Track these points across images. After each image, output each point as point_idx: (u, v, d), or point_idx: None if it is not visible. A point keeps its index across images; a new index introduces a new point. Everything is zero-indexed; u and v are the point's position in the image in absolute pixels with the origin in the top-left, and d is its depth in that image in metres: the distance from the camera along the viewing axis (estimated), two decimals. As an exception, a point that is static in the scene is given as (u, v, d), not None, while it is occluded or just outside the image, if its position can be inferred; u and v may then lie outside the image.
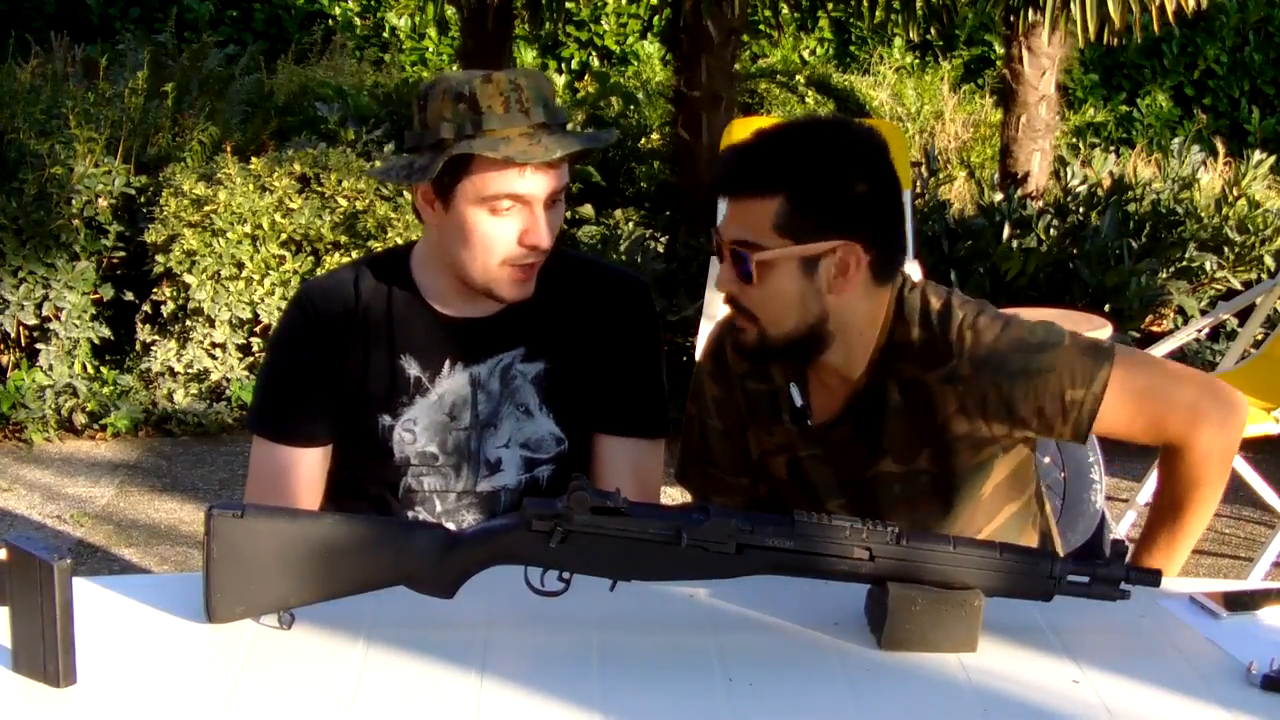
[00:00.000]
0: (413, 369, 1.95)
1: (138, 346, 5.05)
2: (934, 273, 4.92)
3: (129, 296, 5.14)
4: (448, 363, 1.96)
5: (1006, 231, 5.23)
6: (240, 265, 4.91)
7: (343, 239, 4.98)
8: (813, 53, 9.36)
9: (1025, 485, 1.95)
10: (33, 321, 4.89)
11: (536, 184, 1.83)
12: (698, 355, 4.24)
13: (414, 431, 1.95)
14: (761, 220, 1.73)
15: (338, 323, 1.96)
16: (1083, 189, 5.63)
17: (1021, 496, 1.94)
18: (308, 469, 1.96)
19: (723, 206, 1.81)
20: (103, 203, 5.07)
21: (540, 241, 1.86)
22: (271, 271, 4.94)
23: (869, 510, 1.85)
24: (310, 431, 1.96)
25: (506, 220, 1.85)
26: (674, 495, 2.69)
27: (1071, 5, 5.19)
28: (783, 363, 1.88)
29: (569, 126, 1.90)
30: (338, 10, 9.48)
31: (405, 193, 5.07)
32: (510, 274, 1.88)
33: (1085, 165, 5.92)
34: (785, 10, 6.73)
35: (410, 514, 1.97)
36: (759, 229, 1.73)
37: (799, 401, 1.87)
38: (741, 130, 5.12)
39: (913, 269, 3.93)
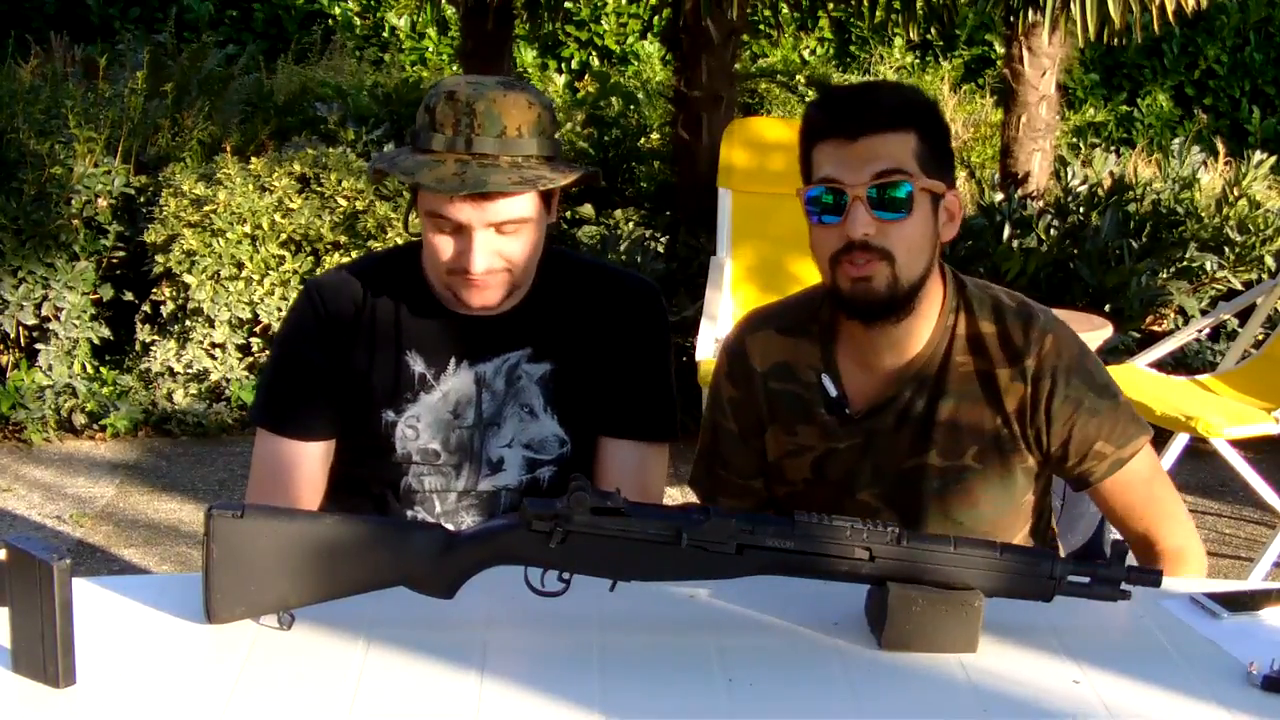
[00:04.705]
0: (418, 365, 1.95)
1: (137, 347, 5.05)
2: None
3: (129, 296, 5.14)
4: (453, 360, 1.95)
5: (1007, 231, 5.23)
6: (240, 265, 4.91)
7: (342, 239, 4.98)
8: (813, 53, 9.36)
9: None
10: (32, 321, 4.89)
11: (465, 212, 1.82)
12: (698, 355, 4.27)
13: (416, 428, 1.95)
14: (903, 151, 1.73)
15: (345, 317, 1.96)
16: (1083, 189, 5.62)
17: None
18: (310, 463, 1.96)
19: (824, 153, 1.75)
20: (102, 203, 5.07)
21: (467, 266, 1.84)
22: (271, 271, 4.94)
23: (904, 503, 1.86)
24: (313, 425, 1.96)
25: (446, 237, 1.85)
26: (675, 499, 2.69)
27: (1071, 5, 5.18)
28: (814, 354, 1.88)
29: (564, 150, 1.89)
30: (337, 10, 9.48)
31: (406, 192, 5.07)
32: (461, 283, 1.87)
33: (1085, 165, 5.91)
34: (785, 10, 6.73)
35: (410, 513, 1.97)
36: (902, 159, 1.73)
37: (834, 392, 1.87)
38: (741, 130, 5.13)
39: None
